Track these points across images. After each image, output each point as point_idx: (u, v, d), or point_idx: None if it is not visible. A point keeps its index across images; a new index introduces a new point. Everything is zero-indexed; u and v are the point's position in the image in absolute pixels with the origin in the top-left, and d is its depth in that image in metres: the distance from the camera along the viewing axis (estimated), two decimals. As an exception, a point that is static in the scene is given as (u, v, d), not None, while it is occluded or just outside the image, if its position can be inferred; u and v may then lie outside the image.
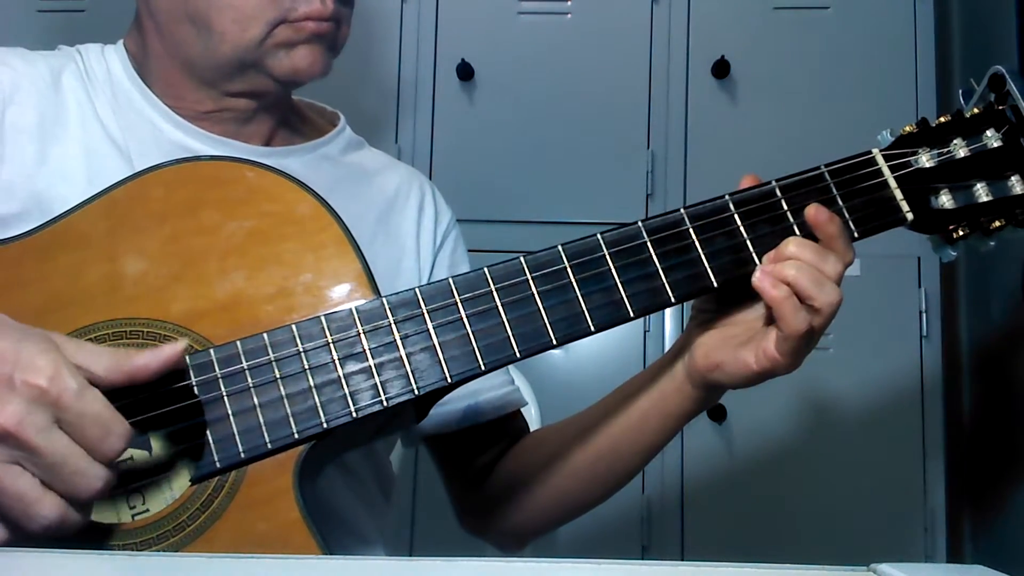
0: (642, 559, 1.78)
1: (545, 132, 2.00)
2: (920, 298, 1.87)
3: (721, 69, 1.96)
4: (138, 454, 0.72)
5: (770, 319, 0.77)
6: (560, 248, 0.74)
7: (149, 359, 0.64)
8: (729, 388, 0.83)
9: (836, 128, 1.92)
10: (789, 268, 0.74)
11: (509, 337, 0.72)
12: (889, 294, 1.86)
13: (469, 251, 1.11)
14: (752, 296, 0.78)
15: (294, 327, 0.71)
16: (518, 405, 1.05)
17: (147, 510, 0.70)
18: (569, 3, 2.02)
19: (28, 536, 0.60)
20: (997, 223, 0.78)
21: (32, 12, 2.10)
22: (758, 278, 0.74)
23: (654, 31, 2.01)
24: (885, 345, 1.86)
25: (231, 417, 0.69)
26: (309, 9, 0.88)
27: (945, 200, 0.79)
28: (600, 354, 1.91)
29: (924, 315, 1.87)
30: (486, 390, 1.01)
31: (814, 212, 0.76)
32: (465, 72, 2.00)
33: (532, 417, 1.23)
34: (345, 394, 0.70)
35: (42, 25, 2.09)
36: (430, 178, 1.12)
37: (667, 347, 1.87)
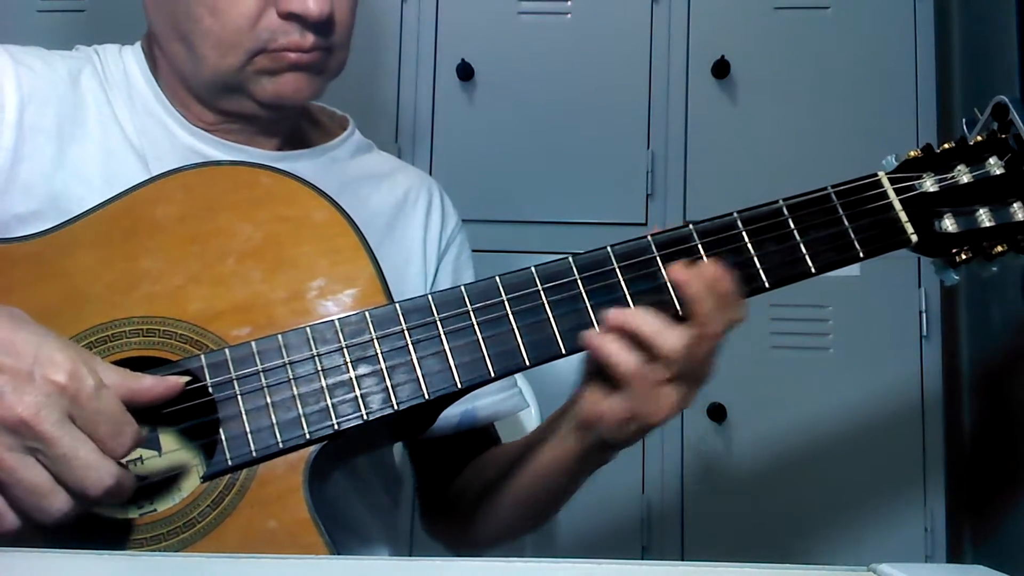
0: (642, 559, 1.78)
1: (545, 132, 1.99)
2: (920, 298, 1.87)
3: (721, 69, 1.96)
4: (147, 453, 0.73)
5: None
6: (571, 259, 0.76)
7: (154, 383, 0.66)
8: (618, 446, 0.81)
9: (836, 128, 1.93)
10: (612, 346, 0.73)
11: (519, 345, 0.73)
12: (889, 294, 1.86)
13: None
14: None
15: (308, 329, 0.72)
16: (516, 410, 1.05)
17: (154, 509, 0.71)
18: (569, 3, 2.02)
19: (38, 528, 0.61)
20: (999, 248, 0.80)
21: (32, 12, 2.09)
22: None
23: (654, 31, 2.00)
24: (885, 345, 1.85)
25: (244, 416, 0.70)
26: (287, 41, 0.86)
27: (948, 224, 0.80)
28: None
29: (924, 315, 1.87)
30: (481, 395, 1.00)
31: (675, 274, 0.75)
32: (465, 72, 1.99)
33: (532, 417, 1.23)
34: (356, 396, 0.71)
35: (42, 25, 2.08)
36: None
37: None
